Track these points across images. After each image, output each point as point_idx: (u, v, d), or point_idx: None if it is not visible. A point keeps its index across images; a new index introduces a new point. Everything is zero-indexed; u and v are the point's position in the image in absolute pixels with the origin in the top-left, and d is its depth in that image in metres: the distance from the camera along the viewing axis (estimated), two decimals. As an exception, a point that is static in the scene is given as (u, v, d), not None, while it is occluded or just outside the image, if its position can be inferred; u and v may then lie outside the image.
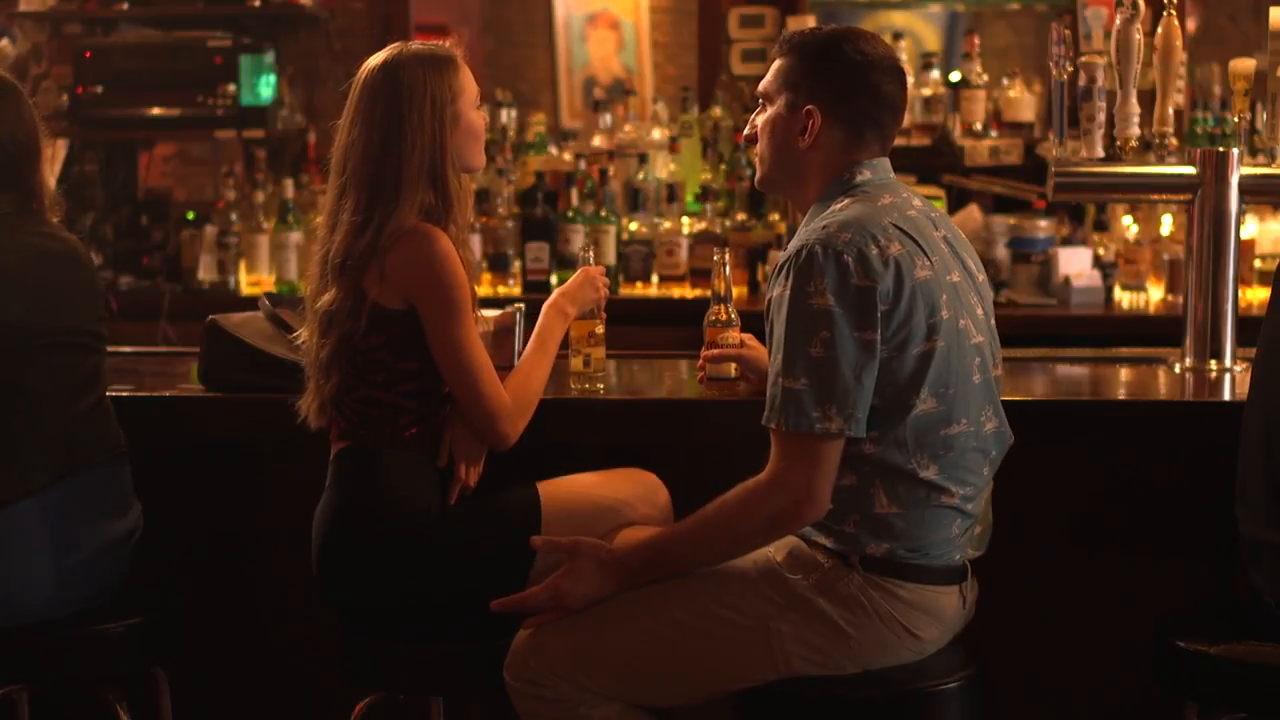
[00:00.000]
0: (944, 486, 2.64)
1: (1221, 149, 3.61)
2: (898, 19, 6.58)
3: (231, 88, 5.48)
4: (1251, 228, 5.22)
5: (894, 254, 2.61)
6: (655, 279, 5.23)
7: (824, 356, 2.57)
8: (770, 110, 2.81)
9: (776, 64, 2.80)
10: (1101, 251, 5.26)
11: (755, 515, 2.63)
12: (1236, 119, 3.71)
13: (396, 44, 3.00)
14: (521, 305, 3.63)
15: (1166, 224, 5.27)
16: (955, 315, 2.66)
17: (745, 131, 2.90)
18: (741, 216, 5.21)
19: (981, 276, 2.82)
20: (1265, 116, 3.81)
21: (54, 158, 5.50)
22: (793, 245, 2.66)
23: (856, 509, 2.65)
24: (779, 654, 2.66)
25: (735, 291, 3.28)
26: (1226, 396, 3.39)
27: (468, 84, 2.98)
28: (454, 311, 2.88)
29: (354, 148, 2.91)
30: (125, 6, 5.63)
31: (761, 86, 2.83)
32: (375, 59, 2.97)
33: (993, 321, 2.80)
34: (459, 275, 2.89)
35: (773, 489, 2.61)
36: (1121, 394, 3.55)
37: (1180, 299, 4.63)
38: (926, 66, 5.55)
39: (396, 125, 2.89)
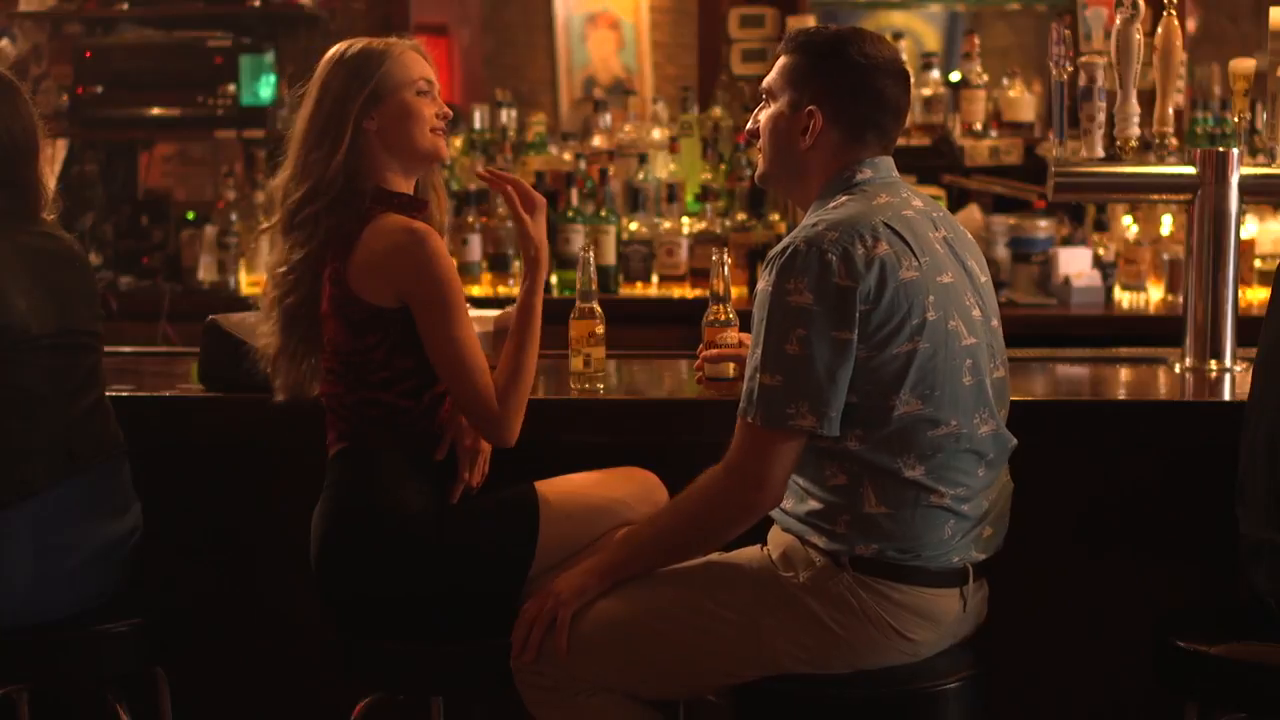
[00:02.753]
0: (932, 487, 2.65)
1: (1221, 149, 3.61)
2: (898, 19, 6.58)
3: (231, 88, 5.49)
4: (1251, 228, 5.22)
5: (880, 254, 2.62)
6: (655, 279, 5.23)
7: (799, 354, 2.60)
8: (773, 107, 2.81)
9: (781, 61, 2.81)
10: (1101, 251, 5.26)
11: (710, 502, 2.69)
12: (1236, 119, 3.71)
13: (338, 45, 3.02)
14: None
15: (1166, 224, 5.27)
16: (944, 317, 2.66)
17: (748, 127, 2.91)
18: (741, 216, 5.21)
19: (984, 278, 2.82)
20: (1265, 116, 3.81)
21: (54, 158, 5.50)
22: (783, 241, 2.68)
23: (847, 509, 2.66)
24: (768, 651, 2.67)
25: (735, 291, 3.29)
26: (1226, 396, 3.39)
27: (402, 72, 2.96)
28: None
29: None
30: (125, 6, 5.63)
31: (765, 83, 2.84)
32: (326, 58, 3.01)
33: (994, 322, 2.80)
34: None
35: (727, 476, 2.67)
36: (1121, 394, 3.55)
37: (1180, 299, 4.63)
38: (926, 66, 5.55)
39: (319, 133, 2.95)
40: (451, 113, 3.07)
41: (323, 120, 2.94)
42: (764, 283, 2.67)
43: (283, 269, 2.97)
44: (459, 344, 2.87)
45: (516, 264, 5.24)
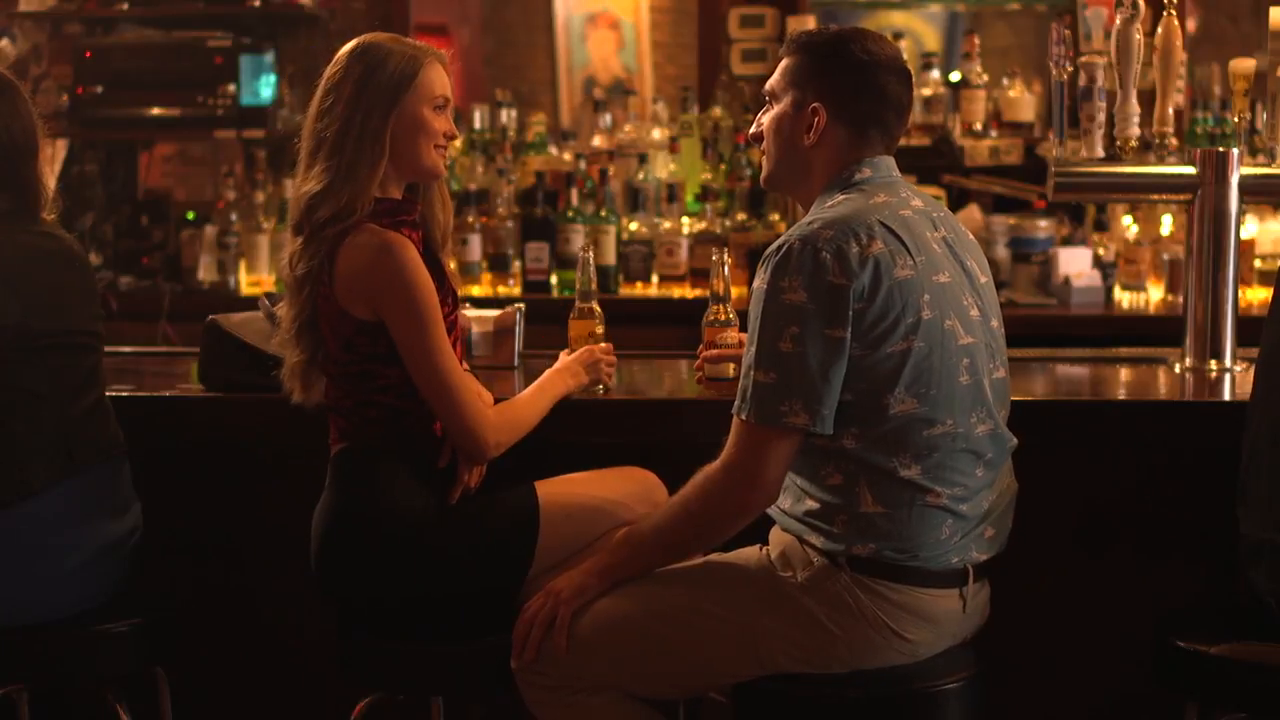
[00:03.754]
0: (928, 487, 2.65)
1: (1221, 149, 3.61)
2: (898, 19, 6.58)
3: (231, 88, 5.48)
4: (1251, 228, 5.22)
5: (874, 252, 2.62)
6: (655, 279, 5.23)
7: (793, 352, 2.60)
8: (776, 108, 2.82)
9: (784, 63, 2.82)
10: (1101, 251, 5.26)
11: (706, 500, 2.69)
12: (1236, 119, 3.71)
13: (365, 44, 2.99)
14: (521, 305, 3.64)
15: (1166, 224, 5.27)
16: (939, 316, 2.66)
17: (751, 130, 2.91)
18: (741, 216, 5.21)
19: (985, 279, 2.82)
20: (1265, 116, 3.81)
21: (54, 158, 5.50)
22: (779, 240, 2.68)
23: (845, 509, 2.66)
24: (765, 651, 2.68)
25: (734, 291, 3.29)
26: (1226, 396, 3.39)
27: (426, 86, 2.95)
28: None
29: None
30: (125, 6, 5.63)
31: (768, 85, 2.85)
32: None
33: (995, 323, 2.79)
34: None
35: (722, 474, 2.67)
36: (1121, 394, 3.55)
37: (1180, 299, 4.63)
38: (926, 66, 5.55)
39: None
40: (457, 134, 3.06)
41: (358, 132, 2.89)
42: (759, 280, 2.67)
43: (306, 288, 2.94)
44: (431, 354, 2.86)
45: (516, 264, 5.25)
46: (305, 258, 2.91)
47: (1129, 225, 5.30)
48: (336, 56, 2.98)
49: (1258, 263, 5.13)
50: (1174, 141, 3.69)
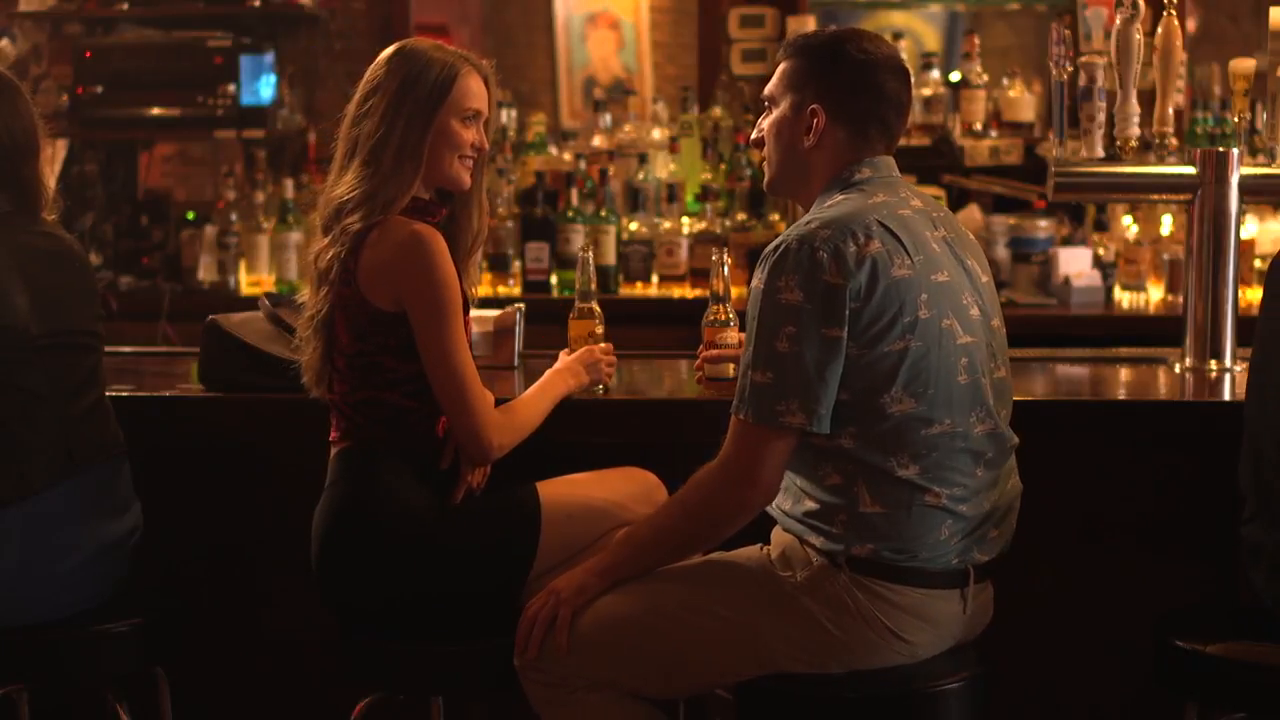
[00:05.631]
0: (926, 486, 2.65)
1: (1221, 149, 3.61)
2: (898, 19, 6.58)
3: (231, 88, 5.49)
4: (1251, 228, 5.23)
5: (871, 252, 2.62)
6: (655, 279, 5.23)
7: (789, 352, 2.61)
8: (776, 112, 2.83)
9: (781, 66, 2.83)
10: (1101, 251, 5.27)
11: (705, 499, 2.70)
12: (1236, 119, 3.71)
13: (410, 50, 2.98)
14: (521, 305, 3.64)
15: (1166, 224, 5.27)
16: (937, 315, 2.66)
17: (752, 136, 2.92)
18: (741, 216, 5.21)
19: (985, 278, 2.82)
20: (1265, 116, 3.81)
21: (54, 158, 5.50)
22: (776, 239, 2.69)
23: (844, 509, 2.66)
24: (765, 650, 2.68)
25: (734, 291, 3.29)
26: (1226, 396, 3.39)
27: (461, 98, 2.95)
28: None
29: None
30: (125, 6, 5.63)
31: (767, 90, 2.85)
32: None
33: (994, 322, 2.79)
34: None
35: (720, 473, 2.68)
36: (1121, 394, 3.55)
37: (1180, 299, 4.63)
38: (926, 66, 5.55)
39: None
40: (487, 145, 3.04)
41: (396, 144, 2.89)
42: (757, 280, 2.68)
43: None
44: (450, 352, 2.86)
45: (516, 264, 5.25)
46: (330, 251, 2.91)
47: (1129, 225, 5.30)
48: (376, 61, 2.96)
49: (1258, 263, 5.13)
50: (1174, 141, 3.69)
